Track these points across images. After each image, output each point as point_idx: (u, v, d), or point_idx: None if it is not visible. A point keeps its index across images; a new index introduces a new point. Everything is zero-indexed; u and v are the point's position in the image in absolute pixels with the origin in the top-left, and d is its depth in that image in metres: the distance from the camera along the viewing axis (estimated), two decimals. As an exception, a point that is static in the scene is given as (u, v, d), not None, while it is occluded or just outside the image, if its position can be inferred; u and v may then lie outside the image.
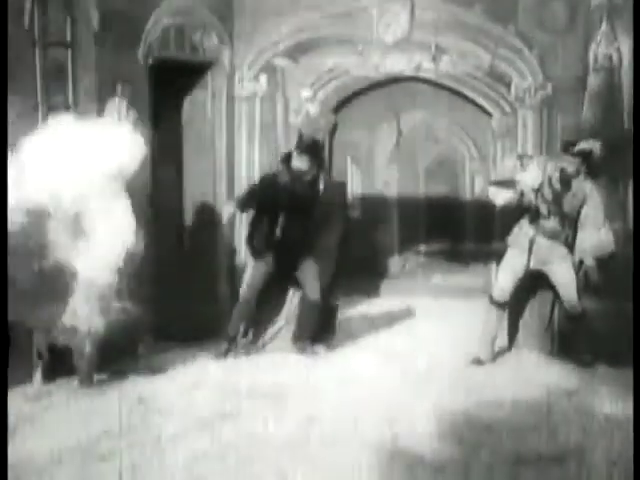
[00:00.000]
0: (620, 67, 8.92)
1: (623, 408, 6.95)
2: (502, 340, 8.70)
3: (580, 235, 8.18)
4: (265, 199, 8.43)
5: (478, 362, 8.36)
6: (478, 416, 6.88)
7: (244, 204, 8.50)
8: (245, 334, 8.85)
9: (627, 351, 7.47)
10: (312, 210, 8.63)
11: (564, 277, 8.24)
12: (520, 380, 7.94)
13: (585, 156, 8.14)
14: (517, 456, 6.10)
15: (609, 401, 7.23)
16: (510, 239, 8.37)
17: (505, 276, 8.38)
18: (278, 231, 8.47)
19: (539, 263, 8.28)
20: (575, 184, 8.10)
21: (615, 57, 8.93)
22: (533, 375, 8.08)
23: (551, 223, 8.18)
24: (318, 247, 8.77)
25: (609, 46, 8.93)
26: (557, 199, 8.13)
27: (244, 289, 8.73)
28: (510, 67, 9.34)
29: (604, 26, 8.93)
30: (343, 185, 9.52)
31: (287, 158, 8.60)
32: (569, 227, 8.19)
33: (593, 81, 8.97)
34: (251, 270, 8.68)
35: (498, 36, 9.27)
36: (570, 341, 8.41)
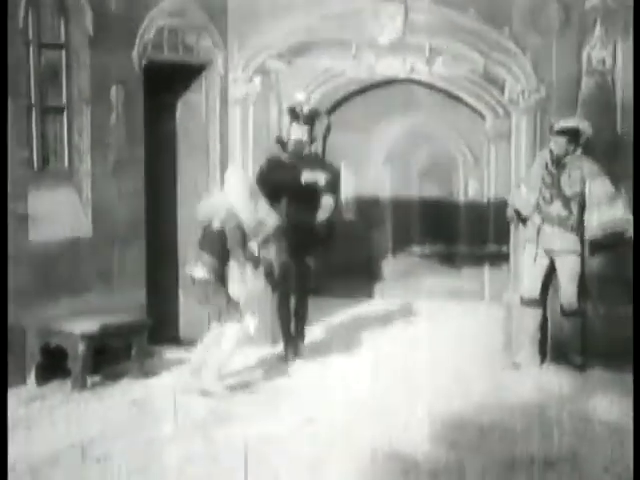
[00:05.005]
0: (614, 70, 8.90)
1: (618, 412, 6.97)
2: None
3: (587, 215, 8.19)
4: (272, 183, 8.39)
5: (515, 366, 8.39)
6: (472, 420, 6.90)
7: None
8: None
9: (623, 355, 7.48)
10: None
11: (568, 269, 8.26)
12: (515, 384, 7.97)
13: (572, 134, 8.21)
14: (511, 460, 6.11)
15: (604, 405, 7.25)
16: (525, 233, 8.43)
17: (529, 272, 8.38)
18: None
19: (547, 252, 8.30)
20: (570, 164, 8.19)
21: (609, 60, 8.92)
22: (527, 378, 8.12)
23: (555, 208, 8.23)
24: None
25: (603, 49, 8.91)
26: (555, 182, 8.22)
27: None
28: (504, 70, 9.32)
29: (598, 29, 8.91)
30: None
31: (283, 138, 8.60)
32: (577, 212, 8.23)
33: (587, 84, 8.96)
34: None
35: (492, 39, 9.25)
36: (562, 342, 8.42)
